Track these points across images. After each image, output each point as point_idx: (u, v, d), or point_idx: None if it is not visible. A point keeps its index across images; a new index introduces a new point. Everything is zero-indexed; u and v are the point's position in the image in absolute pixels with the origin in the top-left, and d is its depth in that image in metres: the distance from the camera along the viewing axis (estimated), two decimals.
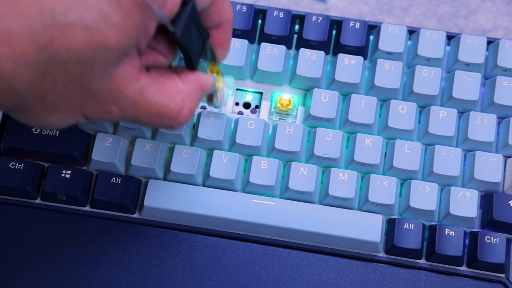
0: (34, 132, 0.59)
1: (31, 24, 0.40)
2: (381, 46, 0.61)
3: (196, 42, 0.50)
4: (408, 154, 0.58)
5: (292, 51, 0.62)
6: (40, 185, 0.59)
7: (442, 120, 0.59)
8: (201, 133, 0.59)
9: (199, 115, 0.59)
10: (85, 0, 0.41)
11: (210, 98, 0.56)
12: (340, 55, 0.61)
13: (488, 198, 0.58)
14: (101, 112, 0.46)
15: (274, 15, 0.62)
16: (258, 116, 0.61)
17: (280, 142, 0.59)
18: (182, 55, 0.51)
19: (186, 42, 0.48)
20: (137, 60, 0.46)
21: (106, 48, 0.42)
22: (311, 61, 0.60)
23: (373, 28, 0.62)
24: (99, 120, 0.47)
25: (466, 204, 0.57)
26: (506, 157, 0.59)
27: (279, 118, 0.61)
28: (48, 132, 0.59)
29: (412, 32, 0.62)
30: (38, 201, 0.59)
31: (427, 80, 0.60)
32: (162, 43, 0.49)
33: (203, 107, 0.61)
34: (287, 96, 0.60)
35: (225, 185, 0.58)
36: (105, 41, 0.42)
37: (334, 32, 0.63)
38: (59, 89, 0.43)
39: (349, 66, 0.60)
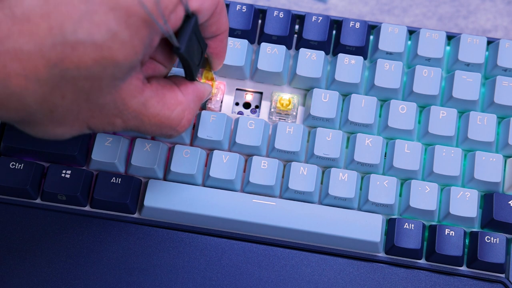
0: None
1: (42, 42, 0.41)
2: (381, 46, 0.61)
3: (196, 54, 0.51)
4: (408, 154, 0.58)
5: (292, 51, 0.62)
6: (40, 185, 0.59)
7: (442, 120, 0.59)
8: (201, 133, 0.59)
9: (199, 115, 0.59)
10: (94, 18, 0.42)
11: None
12: (340, 55, 0.61)
13: (488, 198, 0.58)
14: (105, 124, 0.47)
15: (274, 15, 0.62)
16: (258, 116, 0.61)
17: (280, 142, 0.59)
18: (182, 66, 0.51)
19: (189, 56, 0.49)
20: (141, 73, 0.47)
21: (115, 65, 0.43)
22: (311, 61, 0.60)
23: (373, 28, 0.62)
24: (102, 131, 0.48)
25: (466, 204, 0.57)
26: (506, 157, 0.59)
27: (279, 118, 0.61)
28: None
29: (412, 32, 0.62)
30: (38, 201, 0.59)
31: (427, 80, 0.60)
32: (162, 53, 0.50)
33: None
34: (287, 96, 0.60)
35: (225, 185, 0.58)
36: (114, 58, 0.43)
37: (334, 32, 0.63)
38: (67, 103, 0.44)
39: (349, 66, 0.60)
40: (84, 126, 0.47)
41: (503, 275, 0.57)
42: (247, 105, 0.62)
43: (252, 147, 0.59)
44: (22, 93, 0.42)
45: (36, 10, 0.41)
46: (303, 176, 0.58)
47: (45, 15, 0.41)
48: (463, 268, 0.57)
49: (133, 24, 0.43)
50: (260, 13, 0.63)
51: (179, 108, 0.50)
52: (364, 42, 0.61)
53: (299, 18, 0.63)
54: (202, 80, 0.57)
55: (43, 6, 0.42)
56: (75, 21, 0.42)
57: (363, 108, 0.59)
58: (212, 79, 0.57)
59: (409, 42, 0.62)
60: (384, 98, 0.61)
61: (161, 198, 0.58)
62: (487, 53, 0.62)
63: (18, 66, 0.41)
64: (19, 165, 0.58)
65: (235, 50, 0.60)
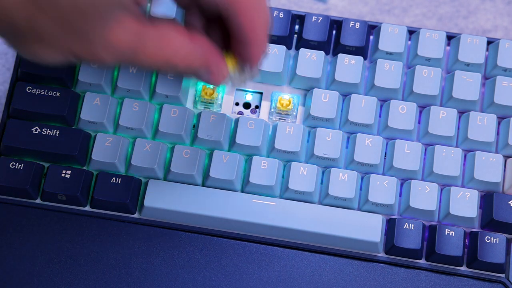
0: (34, 132, 0.59)
1: None
2: (381, 46, 0.61)
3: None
4: (408, 154, 0.58)
5: (292, 51, 0.62)
6: (40, 185, 0.59)
7: (442, 120, 0.59)
8: (201, 133, 0.59)
9: (199, 115, 0.59)
10: None
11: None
12: (340, 55, 0.61)
13: (488, 198, 0.58)
14: (90, 55, 0.46)
15: (274, 15, 0.62)
16: (258, 116, 0.61)
17: (280, 142, 0.59)
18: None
19: None
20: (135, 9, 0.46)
21: (110, 7, 0.43)
22: (311, 61, 0.60)
23: (373, 28, 0.62)
24: (89, 61, 0.47)
25: (466, 204, 0.57)
26: (506, 157, 0.59)
27: (279, 118, 0.61)
28: (48, 132, 0.59)
29: (412, 32, 0.62)
30: (38, 201, 0.59)
31: (427, 80, 0.60)
32: None
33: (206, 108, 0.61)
34: (287, 96, 0.60)
35: (225, 185, 0.58)
36: None
37: (334, 32, 0.63)
38: (52, 27, 0.44)
39: (349, 66, 0.60)
40: (69, 52, 0.46)
41: (503, 275, 0.57)
42: (247, 105, 0.62)
43: (252, 147, 0.59)
44: (10, 8, 0.42)
45: None
46: (303, 176, 0.58)
47: None
48: (463, 268, 0.57)
49: None
50: None
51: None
52: (364, 42, 0.61)
53: (299, 18, 0.63)
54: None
55: None
56: None
57: (363, 108, 0.59)
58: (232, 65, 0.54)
59: (409, 42, 0.62)
60: (384, 98, 0.61)
61: (161, 198, 0.58)
62: (487, 53, 0.62)
63: None
64: (19, 165, 0.58)
65: None
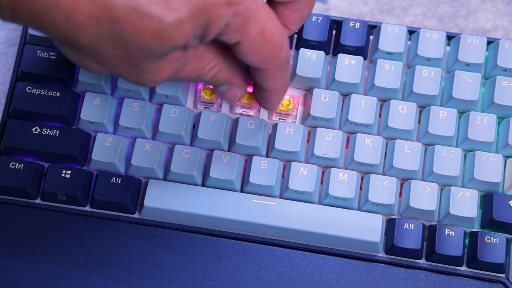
0: (34, 132, 0.59)
1: None
2: (381, 46, 0.61)
3: None
4: (408, 154, 0.58)
5: (292, 51, 0.62)
6: (40, 185, 0.59)
7: (442, 120, 0.59)
8: (201, 133, 0.59)
9: (199, 115, 0.59)
10: (171, 1, 0.45)
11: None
12: (340, 55, 0.61)
13: (488, 198, 0.58)
14: (134, 79, 0.50)
15: None
16: (258, 116, 0.61)
17: (280, 142, 0.59)
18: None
19: None
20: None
21: (168, 46, 0.46)
22: (311, 61, 0.60)
23: (373, 28, 0.62)
24: (129, 82, 0.51)
25: (466, 204, 0.57)
26: (506, 157, 0.59)
27: (279, 118, 0.61)
28: (48, 132, 0.59)
29: (412, 32, 0.62)
30: (38, 201, 0.59)
31: (427, 80, 0.60)
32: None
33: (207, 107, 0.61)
34: (287, 96, 0.60)
35: (225, 185, 0.58)
36: (171, 41, 0.46)
37: (334, 32, 0.62)
38: (112, 54, 0.47)
39: (349, 66, 0.60)
40: (117, 73, 0.49)
41: (503, 275, 0.57)
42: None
43: (252, 147, 0.59)
44: (79, 28, 0.45)
45: None
46: (303, 176, 0.58)
47: None
48: (463, 268, 0.57)
49: (200, 21, 0.46)
50: None
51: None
52: (364, 42, 0.61)
53: None
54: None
55: None
56: None
57: (363, 108, 0.59)
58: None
59: (409, 42, 0.62)
60: (384, 98, 0.61)
61: (161, 198, 0.58)
62: (487, 53, 0.62)
63: (88, 5, 0.44)
64: (19, 165, 0.58)
65: None
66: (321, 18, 0.62)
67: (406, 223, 0.57)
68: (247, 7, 0.47)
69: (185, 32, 0.46)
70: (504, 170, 0.59)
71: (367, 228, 0.57)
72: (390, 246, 0.57)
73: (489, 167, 0.58)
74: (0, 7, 0.44)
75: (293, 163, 0.58)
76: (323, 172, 0.59)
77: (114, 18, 0.44)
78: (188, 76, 0.51)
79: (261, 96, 0.55)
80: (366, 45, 0.61)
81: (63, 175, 0.58)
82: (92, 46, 0.46)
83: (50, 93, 0.60)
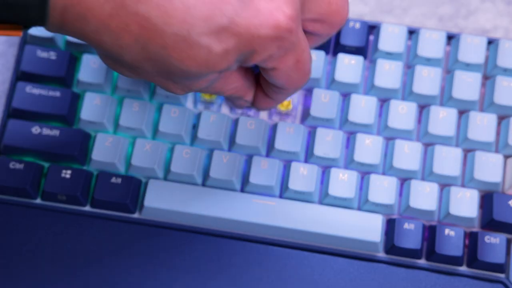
0: (34, 132, 0.59)
1: (168, 24, 0.44)
2: (381, 46, 0.61)
3: None
4: (408, 154, 0.58)
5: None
6: (40, 185, 0.59)
7: (442, 120, 0.59)
8: (201, 133, 0.59)
9: (199, 115, 0.59)
10: (218, 32, 0.45)
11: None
12: (340, 55, 0.61)
13: (488, 198, 0.58)
14: (168, 89, 0.50)
15: None
16: (258, 116, 0.61)
17: (280, 142, 0.59)
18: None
19: None
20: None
21: (208, 72, 0.47)
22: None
23: (373, 28, 0.62)
24: (161, 88, 0.51)
25: (466, 204, 0.57)
26: (506, 157, 0.59)
27: (279, 118, 0.61)
28: (48, 132, 0.59)
29: (412, 32, 0.62)
30: (38, 201, 0.59)
31: (427, 80, 0.60)
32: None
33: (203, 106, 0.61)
34: None
35: (225, 185, 0.58)
36: (213, 68, 0.46)
37: None
38: (151, 71, 0.47)
39: (349, 66, 0.60)
40: (151, 81, 0.50)
41: (503, 275, 0.57)
42: None
43: (252, 147, 0.59)
44: (124, 47, 0.45)
45: None
46: (303, 176, 0.58)
47: (187, 4, 0.44)
48: (463, 268, 0.57)
49: (245, 51, 0.46)
50: None
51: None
52: (364, 42, 0.61)
53: None
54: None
55: None
56: (205, 27, 0.44)
57: (363, 108, 0.59)
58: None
59: (409, 42, 0.62)
60: (384, 98, 0.61)
61: (161, 198, 0.58)
62: (487, 53, 0.62)
63: (138, 29, 0.44)
64: (19, 165, 0.58)
65: None
66: None
67: (406, 223, 0.57)
68: (291, 42, 0.48)
69: (230, 61, 0.46)
70: (504, 170, 0.59)
71: (367, 228, 0.57)
72: (390, 246, 0.57)
73: (489, 167, 0.58)
74: (48, 22, 0.45)
75: (293, 163, 0.58)
76: (323, 172, 0.59)
77: (163, 44, 0.44)
78: (209, 91, 0.53)
79: (262, 99, 0.56)
80: (366, 45, 0.61)
81: (63, 175, 0.58)
82: (133, 63, 0.46)
83: (50, 93, 0.60)
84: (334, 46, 0.62)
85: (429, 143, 0.60)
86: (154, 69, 0.47)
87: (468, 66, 0.61)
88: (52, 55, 0.61)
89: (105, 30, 0.44)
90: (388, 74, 0.60)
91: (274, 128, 0.59)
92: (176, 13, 0.44)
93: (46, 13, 0.43)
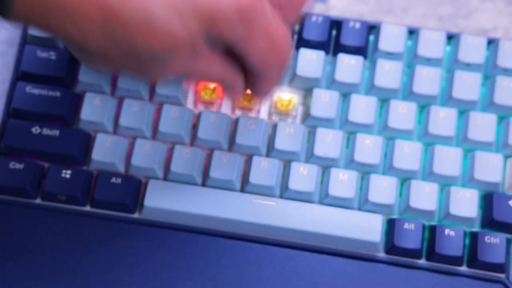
0: (34, 132, 0.59)
1: (128, 2, 0.44)
2: (381, 46, 0.61)
3: None
4: (408, 154, 0.58)
5: (292, 51, 0.62)
6: (40, 185, 0.59)
7: (442, 120, 0.59)
8: (201, 133, 0.59)
9: (199, 115, 0.59)
10: (177, 7, 0.45)
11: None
12: (340, 55, 0.61)
13: (488, 198, 0.58)
14: (143, 75, 0.50)
15: None
16: (258, 116, 0.61)
17: (280, 142, 0.59)
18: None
19: None
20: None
21: (176, 50, 0.47)
22: (311, 61, 0.60)
23: (373, 28, 0.62)
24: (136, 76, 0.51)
25: (466, 204, 0.57)
26: (506, 157, 0.59)
27: (279, 118, 0.61)
28: (48, 132, 0.59)
29: (412, 32, 0.62)
30: (38, 201, 0.59)
31: (427, 80, 0.60)
32: None
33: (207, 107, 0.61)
34: (287, 96, 0.60)
35: (225, 185, 0.58)
36: (178, 45, 0.46)
37: (334, 32, 0.62)
38: (120, 58, 0.47)
39: (349, 66, 0.60)
40: (125, 70, 0.50)
41: (503, 275, 0.57)
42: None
43: (252, 147, 0.59)
44: (89, 35, 0.45)
45: None
46: (303, 176, 0.58)
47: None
48: (463, 268, 0.57)
49: (209, 31, 0.46)
50: None
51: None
52: (364, 42, 0.61)
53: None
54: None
55: None
56: (164, 3, 0.45)
57: (363, 108, 0.59)
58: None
59: (409, 42, 0.62)
60: (384, 98, 0.61)
61: (161, 198, 0.58)
62: (487, 53, 0.62)
63: (98, 13, 0.44)
64: (19, 165, 0.58)
65: None
66: (321, 18, 0.62)
67: (406, 223, 0.57)
68: (258, 22, 0.47)
69: (193, 37, 0.46)
70: (504, 170, 0.59)
71: (367, 228, 0.57)
72: (390, 246, 0.57)
73: (489, 167, 0.58)
74: (11, 12, 0.45)
75: (293, 163, 0.58)
76: (323, 172, 0.59)
77: (124, 25, 0.45)
78: (192, 76, 0.52)
79: (253, 79, 0.55)
80: (366, 45, 0.61)
81: (63, 175, 0.58)
82: (102, 50, 0.46)
83: (50, 93, 0.60)
84: (334, 46, 0.62)
85: (429, 143, 0.60)
86: (122, 54, 0.47)
87: (468, 66, 0.61)
88: (52, 55, 0.61)
89: (67, 18, 0.44)
90: (388, 74, 0.60)
91: (274, 128, 0.59)
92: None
93: (9, 1, 0.44)
